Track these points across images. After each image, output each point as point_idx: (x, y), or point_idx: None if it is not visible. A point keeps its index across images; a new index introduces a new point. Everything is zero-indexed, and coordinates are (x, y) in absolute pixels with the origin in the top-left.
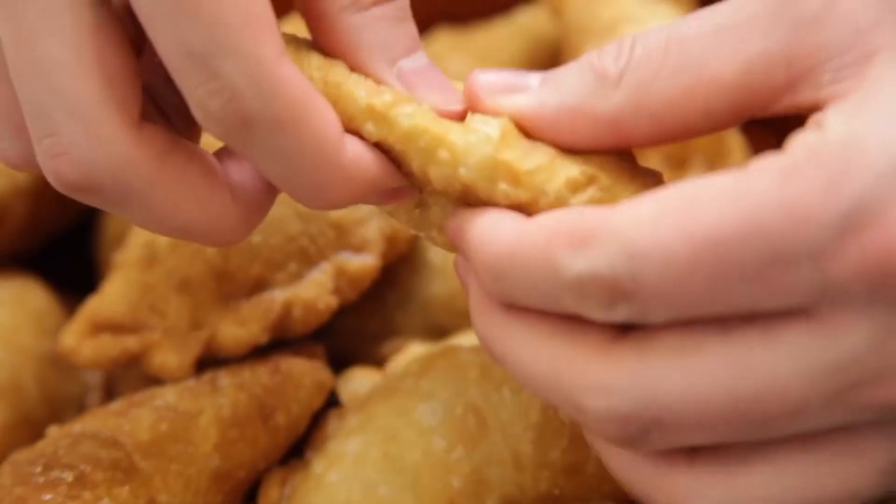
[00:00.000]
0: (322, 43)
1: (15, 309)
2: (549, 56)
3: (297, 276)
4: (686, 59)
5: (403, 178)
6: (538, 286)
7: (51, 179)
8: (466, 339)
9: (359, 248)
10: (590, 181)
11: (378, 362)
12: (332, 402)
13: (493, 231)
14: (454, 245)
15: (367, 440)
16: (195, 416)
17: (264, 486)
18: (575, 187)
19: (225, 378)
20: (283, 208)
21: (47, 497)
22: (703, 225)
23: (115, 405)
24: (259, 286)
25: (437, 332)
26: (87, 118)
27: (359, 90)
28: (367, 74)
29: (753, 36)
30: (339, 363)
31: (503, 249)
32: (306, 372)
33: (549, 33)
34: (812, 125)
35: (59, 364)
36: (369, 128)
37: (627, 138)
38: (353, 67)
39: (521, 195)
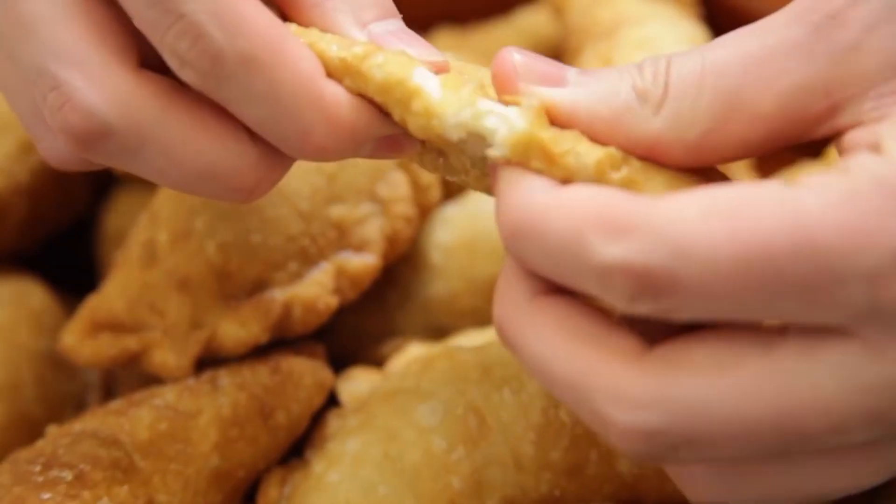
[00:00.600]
0: (293, 15)
1: (14, 308)
2: (549, 56)
3: (298, 276)
4: (721, 90)
5: (395, 126)
6: (560, 260)
7: (62, 139)
8: (467, 340)
9: (359, 248)
10: (623, 161)
11: (378, 362)
12: (332, 401)
13: (525, 192)
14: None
15: (367, 440)
16: (195, 416)
17: (264, 485)
18: (610, 165)
19: (225, 377)
20: (284, 208)
21: (46, 496)
22: (754, 231)
23: (115, 404)
24: (259, 286)
25: (438, 332)
26: (83, 63)
27: (331, 47)
28: (329, 29)
29: (789, 67)
30: (340, 363)
31: (531, 214)
32: (306, 371)
33: (550, 34)
34: (868, 148)
35: (58, 363)
36: (347, 83)
37: (659, 158)
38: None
39: (555, 173)
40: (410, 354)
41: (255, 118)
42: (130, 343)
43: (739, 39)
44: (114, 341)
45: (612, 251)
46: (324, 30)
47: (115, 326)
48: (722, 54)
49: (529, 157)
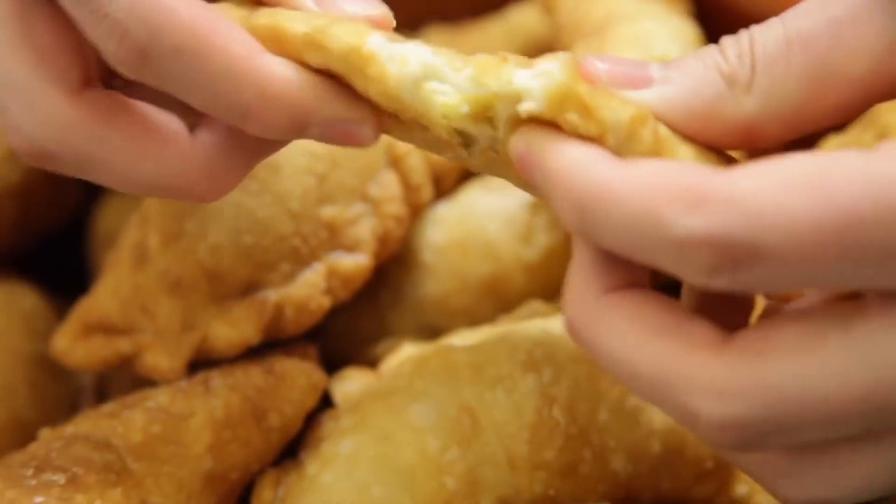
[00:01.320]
0: None
1: (5, 311)
2: (540, 55)
3: (290, 277)
4: (811, 59)
5: (353, 110)
6: (634, 235)
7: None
8: (460, 339)
9: (351, 248)
10: (653, 120)
11: (371, 363)
12: (325, 402)
13: (587, 168)
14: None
15: (361, 441)
16: (187, 418)
17: (257, 487)
18: (642, 122)
19: (217, 379)
20: (275, 208)
21: (39, 500)
22: (836, 198)
23: (107, 407)
24: (251, 286)
25: (431, 331)
26: (23, 91)
27: (296, 24)
28: (288, 4)
29: (880, 26)
30: (333, 364)
31: (599, 190)
32: (299, 372)
33: (541, 32)
34: None
35: (50, 366)
36: (313, 58)
37: (757, 140)
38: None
39: (590, 128)
40: (403, 354)
41: (198, 103)
42: (122, 345)
43: (823, 4)
44: (106, 344)
45: (691, 223)
46: (290, 7)
47: (107, 329)
48: (807, 22)
49: (565, 109)
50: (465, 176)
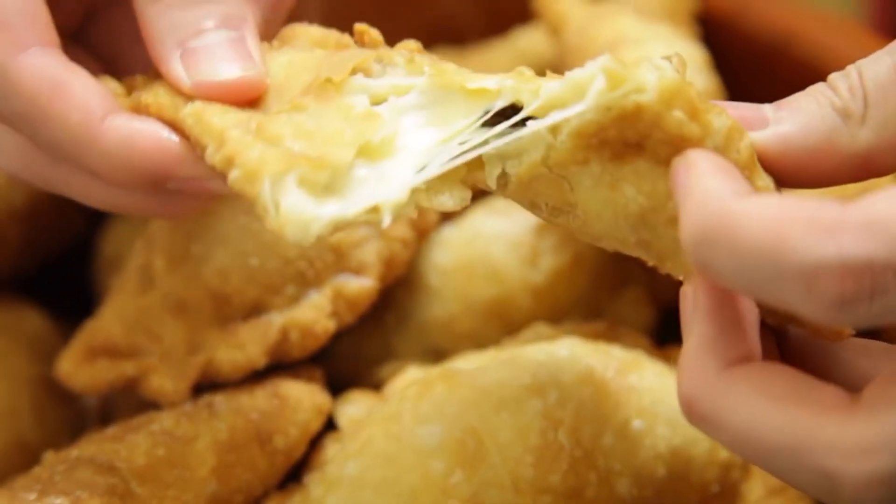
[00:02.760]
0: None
1: (9, 333)
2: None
3: (295, 299)
4: None
5: (205, 169)
6: (755, 266)
7: None
8: (465, 362)
9: (357, 271)
10: (744, 136)
11: (376, 385)
12: (329, 425)
13: (714, 197)
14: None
15: (366, 464)
16: (192, 441)
17: None
18: (739, 135)
19: (222, 402)
20: None
21: None
22: None
23: (112, 430)
24: (256, 309)
25: (436, 354)
26: None
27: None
28: (156, 62)
29: None
30: (337, 386)
31: (724, 218)
32: (304, 395)
33: (547, 54)
34: None
35: (54, 389)
36: (190, 127)
37: (873, 171)
38: (154, 58)
39: (693, 129)
40: (408, 377)
41: (52, 155)
42: (127, 368)
43: None
44: (111, 367)
45: (825, 249)
46: (152, 52)
47: (112, 352)
48: None
49: (673, 106)
50: (471, 199)
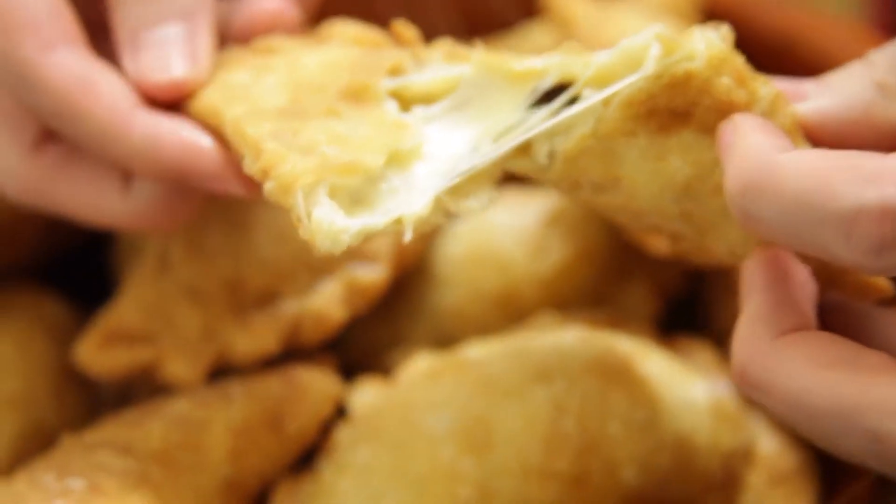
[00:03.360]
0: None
1: (28, 319)
2: None
3: (308, 288)
4: None
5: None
6: (796, 213)
7: None
8: (474, 349)
9: (369, 260)
10: (787, 104)
11: (387, 372)
12: (341, 411)
13: (761, 150)
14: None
15: (376, 450)
16: (206, 425)
17: (273, 495)
18: (783, 103)
19: (236, 387)
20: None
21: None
22: None
23: (128, 414)
24: (270, 297)
25: (445, 341)
26: None
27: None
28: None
29: None
30: (348, 372)
31: (768, 168)
32: (316, 381)
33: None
34: None
35: (72, 374)
36: (230, 136)
37: None
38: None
39: (741, 95)
40: (418, 363)
41: (95, 155)
42: (143, 354)
43: None
44: (127, 352)
45: (866, 194)
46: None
47: (129, 337)
48: None
49: (721, 73)
50: None
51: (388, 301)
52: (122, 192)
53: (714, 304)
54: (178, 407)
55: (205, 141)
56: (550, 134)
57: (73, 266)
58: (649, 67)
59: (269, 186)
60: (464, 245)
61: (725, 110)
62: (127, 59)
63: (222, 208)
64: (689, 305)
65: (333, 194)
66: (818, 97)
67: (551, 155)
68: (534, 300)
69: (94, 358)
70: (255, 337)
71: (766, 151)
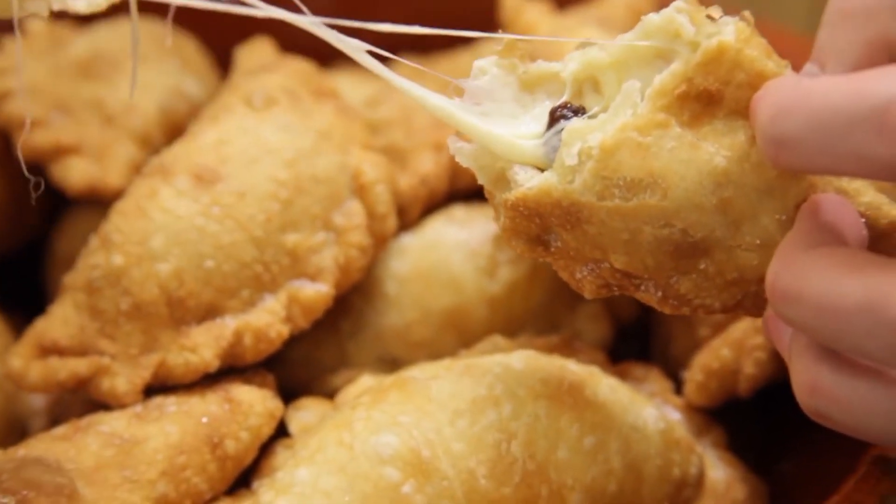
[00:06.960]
0: None
1: None
2: None
3: (250, 303)
4: None
5: None
6: (827, 123)
7: None
8: (420, 370)
9: (313, 277)
10: None
11: (329, 393)
12: (280, 432)
13: (790, 80)
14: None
15: (317, 470)
16: (141, 443)
17: None
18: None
19: (173, 405)
20: (238, 234)
21: None
22: None
23: (60, 430)
24: (211, 312)
25: (391, 363)
26: None
27: None
28: None
29: None
30: (289, 392)
31: (799, 90)
32: (256, 400)
33: None
34: None
35: (2, 387)
36: None
37: None
38: None
39: (770, 66)
40: (362, 385)
41: None
42: (79, 368)
43: None
44: (62, 366)
45: (892, 87)
46: None
47: (64, 350)
48: None
49: (749, 45)
50: (431, 208)
51: (332, 320)
52: None
53: (666, 333)
54: (112, 423)
55: None
56: (580, 132)
57: (9, 276)
58: (689, 34)
59: None
60: (411, 262)
61: (757, 84)
62: None
63: (163, 218)
64: (641, 333)
65: None
66: (823, 69)
67: (583, 153)
68: (483, 320)
69: (28, 371)
70: (194, 352)
71: (794, 80)
